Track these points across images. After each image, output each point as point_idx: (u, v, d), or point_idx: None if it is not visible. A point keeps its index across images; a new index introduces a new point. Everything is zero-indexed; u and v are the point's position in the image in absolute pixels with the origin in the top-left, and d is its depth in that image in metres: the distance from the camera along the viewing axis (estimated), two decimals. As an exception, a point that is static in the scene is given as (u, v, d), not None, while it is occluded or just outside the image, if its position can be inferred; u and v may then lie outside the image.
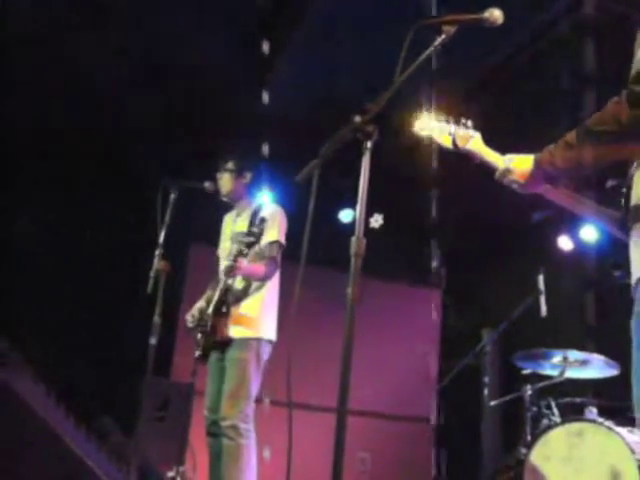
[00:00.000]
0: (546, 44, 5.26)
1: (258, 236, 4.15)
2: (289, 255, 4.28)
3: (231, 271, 4.05)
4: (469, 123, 2.71)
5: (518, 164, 2.52)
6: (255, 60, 5.85)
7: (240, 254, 4.07)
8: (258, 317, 4.20)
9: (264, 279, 4.22)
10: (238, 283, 4.23)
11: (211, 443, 4.19)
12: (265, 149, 5.07)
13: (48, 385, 4.15)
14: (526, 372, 4.89)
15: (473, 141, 2.69)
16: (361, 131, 2.35)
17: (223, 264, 4.20)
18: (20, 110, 5.49)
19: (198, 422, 4.54)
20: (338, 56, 5.65)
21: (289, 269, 4.23)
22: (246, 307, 4.22)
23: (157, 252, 4.13)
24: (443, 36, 2.45)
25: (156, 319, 4.05)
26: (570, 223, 6.55)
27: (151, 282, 4.12)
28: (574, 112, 5.83)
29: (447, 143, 2.71)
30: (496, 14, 2.44)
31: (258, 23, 5.52)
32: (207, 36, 5.53)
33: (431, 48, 2.45)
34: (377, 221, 6.92)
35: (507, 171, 2.54)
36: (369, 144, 2.35)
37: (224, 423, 4.04)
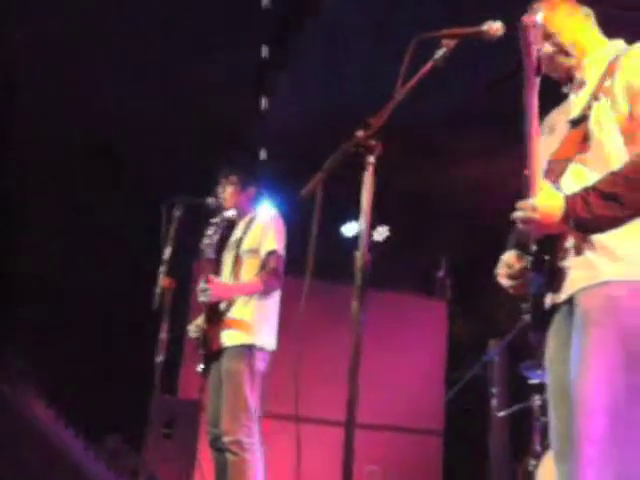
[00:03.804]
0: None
1: (241, 240, 4.21)
2: (291, 269, 4.26)
3: (205, 295, 4.01)
4: None
5: (545, 199, 2.13)
6: (256, 72, 5.86)
7: (236, 262, 4.11)
8: (252, 321, 4.10)
9: (266, 293, 4.14)
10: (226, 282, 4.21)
11: (217, 457, 4.14)
12: (267, 162, 5.05)
13: (57, 404, 4.15)
14: (534, 382, 4.88)
15: None
16: (363, 146, 2.35)
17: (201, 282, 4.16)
18: (20, 129, 5.52)
19: (206, 438, 4.52)
20: (340, 69, 5.66)
21: (291, 283, 4.21)
22: (239, 311, 4.14)
23: (162, 269, 4.14)
24: (444, 49, 2.45)
25: (162, 336, 4.05)
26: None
27: (156, 299, 4.14)
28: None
29: None
30: (495, 26, 2.43)
31: (261, 38, 5.52)
32: (210, 51, 5.54)
33: (431, 61, 2.45)
34: (381, 234, 6.93)
35: (531, 207, 2.12)
36: (372, 159, 2.35)
37: (226, 439, 3.98)
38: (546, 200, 2.12)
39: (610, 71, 2.32)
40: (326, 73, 5.72)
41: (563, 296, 2.26)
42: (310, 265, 2.44)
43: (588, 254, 2.20)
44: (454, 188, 6.83)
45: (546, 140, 2.49)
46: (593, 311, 2.14)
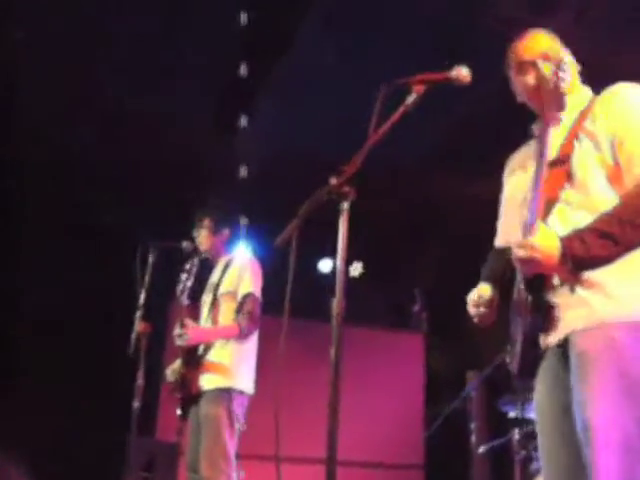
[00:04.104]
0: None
1: (218, 283, 4.21)
2: (269, 308, 4.25)
3: (181, 340, 3.99)
4: None
5: (542, 239, 2.15)
6: (227, 111, 5.87)
7: (214, 305, 4.13)
8: (231, 365, 4.07)
9: (242, 337, 4.11)
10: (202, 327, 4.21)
11: None
12: (240, 203, 5.05)
13: (33, 455, 4.09)
14: (513, 416, 4.89)
15: None
16: (337, 193, 2.37)
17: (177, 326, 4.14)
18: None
19: (185, 481, 4.45)
20: (310, 111, 5.70)
21: (269, 322, 4.20)
22: (217, 354, 4.11)
23: (137, 314, 4.12)
24: (414, 95, 2.48)
25: (139, 382, 4.02)
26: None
27: (132, 344, 4.12)
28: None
29: None
30: (463, 72, 2.47)
31: (231, 74, 5.54)
32: (179, 87, 5.55)
33: (402, 107, 2.48)
34: (356, 269, 6.95)
35: (531, 247, 2.13)
36: (345, 205, 2.37)
37: None
38: (544, 240, 2.14)
39: (589, 111, 2.37)
40: (292, 112, 5.74)
41: (557, 337, 2.26)
42: (287, 311, 2.45)
43: (581, 292, 2.21)
44: (430, 220, 6.88)
45: (519, 177, 2.55)
46: (592, 352, 2.14)
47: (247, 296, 4.15)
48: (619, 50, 4.74)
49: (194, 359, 4.08)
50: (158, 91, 5.51)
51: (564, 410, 2.21)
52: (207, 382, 4.04)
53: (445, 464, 6.82)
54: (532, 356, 2.33)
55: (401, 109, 2.47)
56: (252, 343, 4.21)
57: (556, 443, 2.28)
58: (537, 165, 2.31)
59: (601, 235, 2.13)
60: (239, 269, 4.25)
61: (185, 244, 4.34)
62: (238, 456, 4.08)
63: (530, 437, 4.74)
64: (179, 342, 4.00)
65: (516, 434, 4.72)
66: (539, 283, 2.25)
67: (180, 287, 4.14)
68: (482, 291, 2.51)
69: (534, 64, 2.46)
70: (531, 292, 2.26)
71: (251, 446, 5.13)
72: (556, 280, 2.26)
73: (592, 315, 2.18)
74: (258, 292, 4.20)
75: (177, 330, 4.00)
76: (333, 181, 2.37)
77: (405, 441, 7.03)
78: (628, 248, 2.16)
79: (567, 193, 2.31)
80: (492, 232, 2.82)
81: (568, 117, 2.46)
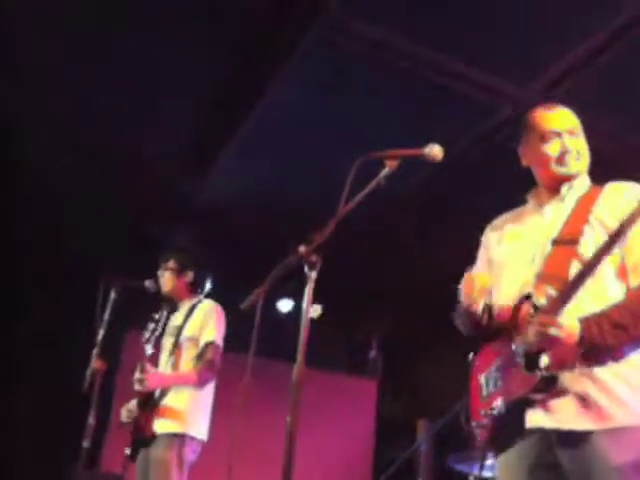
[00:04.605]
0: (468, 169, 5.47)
1: (181, 328, 4.21)
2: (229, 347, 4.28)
3: (141, 385, 3.96)
4: None
5: (569, 320, 2.23)
6: (197, 152, 5.87)
7: (175, 348, 4.12)
8: (186, 411, 4.04)
9: (199, 385, 4.11)
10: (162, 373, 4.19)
11: None
12: (204, 244, 5.04)
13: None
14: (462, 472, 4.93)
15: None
16: (305, 261, 2.41)
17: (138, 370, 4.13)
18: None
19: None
20: (281, 160, 5.75)
21: (227, 359, 4.23)
22: (173, 400, 4.08)
23: (95, 351, 4.09)
24: (386, 169, 2.54)
25: (90, 421, 3.99)
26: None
27: (87, 381, 4.09)
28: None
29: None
30: (436, 150, 2.55)
31: (204, 114, 5.55)
32: (149, 122, 5.54)
33: (375, 181, 2.53)
34: (316, 311, 6.96)
35: (559, 326, 2.19)
36: (313, 274, 2.41)
37: None
38: (570, 321, 2.22)
39: (598, 199, 2.47)
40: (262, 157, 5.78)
41: (556, 425, 2.28)
42: (249, 367, 2.50)
43: (587, 386, 2.27)
44: (387, 270, 6.94)
45: (513, 246, 2.61)
46: (621, 462, 2.19)
47: (209, 344, 4.15)
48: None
49: (150, 402, 4.06)
50: (128, 125, 5.49)
51: None
52: (160, 426, 4.01)
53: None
54: (511, 429, 2.35)
55: (374, 183, 2.54)
56: (209, 390, 4.20)
57: None
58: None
59: (615, 325, 2.23)
60: (204, 315, 4.24)
61: (148, 283, 4.33)
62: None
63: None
64: (138, 387, 3.97)
65: (462, 492, 4.77)
66: (536, 360, 2.27)
67: (147, 336, 4.12)
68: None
69: (559, 135, 2.55)
70: (528, 367, 2.28)
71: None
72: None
73: (604, 420, 2.23)
74: (220, 341, 4.20)
75: (137, 375, 3.98)
76: (302, 249, 2.42)
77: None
78: (635, 341, 2.28)
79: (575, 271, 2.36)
80: (451, 280, 2.82)
81: (570, 197, 2.55)
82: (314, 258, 2.41)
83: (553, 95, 4.61)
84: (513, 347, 2.35)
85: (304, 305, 2.47)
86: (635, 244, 2.37)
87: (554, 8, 4.05)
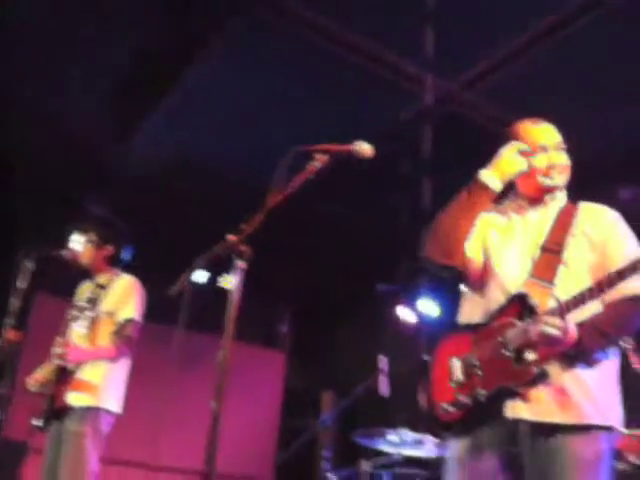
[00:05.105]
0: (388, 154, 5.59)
1: (96, 301, 4.18)
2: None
3: (62, 359, 3.98)
4: None
5: (572, 324, 2.41)
6: (119, 117, 5.78)
7: (77, 320, 4.13)
8: (100, 385, 4.06)
9: (116, 360, 4.12)
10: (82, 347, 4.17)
11: None
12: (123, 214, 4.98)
13: None
14: (365, 447, 5.11)
15: None
16: (234, 250, 2.47)
17: (58, 344, 4.12)
18: None
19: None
20: (208, 130, 5.73)
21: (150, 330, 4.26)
22: (88, 373, 4.08)
23: (8, 321, 4.03)
24: (316, 163, 2.62)
25: (2, 391, 3.95)
26: (412, 296, 6.94)
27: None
28: (413, 199, 6.16)
29: None
30: (364, 147, 2.63)
31: (127, 77, 5.46)
32: (71, 84, 5.42)
33: (305, 174, 2.60)
34: (228, 282, 7.00)
35: (565, 329, 2.37)
36: (241, 263, 2.48)
37: None
38: (572, 326, 2.39)
39: (579, 214, 2.69)
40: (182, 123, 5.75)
41: (534, 417, 2.43)
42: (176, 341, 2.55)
43: (567, 384, 2.45)
44: (304, 244, 7.03)
45: (503, 240, 2.75)
46: (584, 459, 2.40)
47: (129, 321, 4.15)
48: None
49: (64, 375, 4.04)
50: (47, 84, 5.36)
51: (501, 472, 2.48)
52: (75, 399, 4.00)
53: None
54: (486, 416, 2.50)
55: (303, 175, 2.61)
56: (124, 364, 4.21)
57: None
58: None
59: (602, 334, 2.46)
60: (122, 291, 4.23)
61: (65, 252, 4.28)
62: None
63: (379, 468, 5.00)
64: (58, 361, 3.96)
65: (364, 466, 4.94)
66: (522, 354, 2.45)
67: (74, 312, 4.09)
68: None
69: (544, 149, 2.70)
70: (517, 359, 2.46)
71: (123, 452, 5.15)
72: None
73: (579, 416, 2.42)
74: (139, 317, 4.20)
75: (58, 349, 3.96)
76: (231, 238, 2.48)
77: (258, 455, 7.19)
78: (612, 346, 2.54)
79: (560, 278, 2.57)
80: (368, 261, 2.89)
81: (552, 206, 2.75)
82: (243, 248, 2.47)
83: (475, 89, 4.79)
84: (500, 339, 2.51)
85: (232, 296, 2.52)
86: (616, 256, 2.57)
87: (484, 5, 4.20)
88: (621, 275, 2.36)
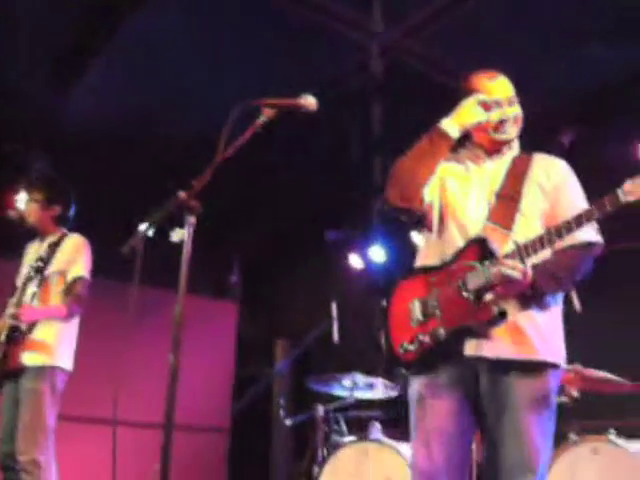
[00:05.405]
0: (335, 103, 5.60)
1: (46, 261, 4.16)
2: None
3: (16, 319, 3.99)
4: None
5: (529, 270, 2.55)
6: (59, 67, 5.65)
7: (29, 280, 4.10)
8: (54, 344, 4.11)
9: (68, 318, 4.15)
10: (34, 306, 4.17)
11: (6, 477, 4.06)
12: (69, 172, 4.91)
13: None
14: (319, 392, 5.23)
15: None
16: (185, 206, 2.50)
17: (11, 304, 4.11)
18: None
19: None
20: (148, 83, 5.65)
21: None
22: (41, 333, 4.11)
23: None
24: (264, 117, 2.64)
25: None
26: (361, 243, 7.05)
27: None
28: (364, 175, 6.21)
29: None
30: (310, 100, 2.67)
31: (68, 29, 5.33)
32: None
33: (252, 128, 2.63)
34: (178, 235, 6.98)
35: (524, 272, 2.51)
36: (192, 219, 2.52)
37: (22, 458, 3.92)
38: (529, 269, 2.52)
39: (533, 164, 2.79)
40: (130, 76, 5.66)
41: (493, 354, 2.56)
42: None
43: (522, 323, 2.58)
44: (252, 194, 7.05)
45: (459, 187, 2.83)
46: (535, 396, 2.56)
47: (79, 279, 4.16)
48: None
49: (16, 335, 4.05)
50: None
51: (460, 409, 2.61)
52: (29, 359, 4.03)
53: (250, 431, 7.14)
54: (446, 355, 2.61)
55: (251, 129, 2.64)
56: (75, 322, 4.25)
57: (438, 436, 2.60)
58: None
59: (554, 277, 2.59)
60: (71, 249, 4.22)
61: (11, 213, 4.26)
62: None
63: (333, 412, 5.13)
64: (12, 321, 3.96)
65: (320, 411, 5.06)
66: (481, 295, 2.57)
67: (24, 271, 4.07)
68: None
69: (499, 103, 2.76)
70: (477, 300, 2.57)
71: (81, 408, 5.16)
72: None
73: (532, 352, 2.56)
74: (88, 275, 4.22)
75: (12, 309, 3.97)
76: (182, 195, 2.50)
77: (214, 406, 7.28)
78: (563, 290, 2.71)
79: (518, 225, 2.67)
80: (318, 210, 2.95)
81: (507, 156, 2.84)
82: (193, 203, 2.50)
83: (418, 36, 4.81)
84: (460, 281, 2.61)
85: (184, 252, 2.57)
86: (567, 205, 2.68)
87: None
88: (579, 222, 2.46)
